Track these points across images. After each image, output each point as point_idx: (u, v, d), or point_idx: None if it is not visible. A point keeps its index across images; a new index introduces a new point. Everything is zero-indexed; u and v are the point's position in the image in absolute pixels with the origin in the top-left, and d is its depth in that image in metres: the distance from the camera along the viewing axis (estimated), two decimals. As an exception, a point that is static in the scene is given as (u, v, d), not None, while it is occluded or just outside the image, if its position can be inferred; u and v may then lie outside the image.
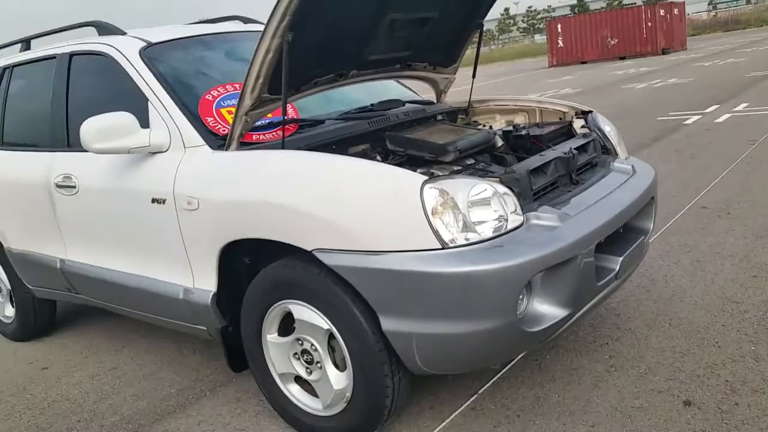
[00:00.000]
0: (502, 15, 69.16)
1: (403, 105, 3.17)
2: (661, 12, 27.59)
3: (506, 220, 2.07)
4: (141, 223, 2.71)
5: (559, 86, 17.58)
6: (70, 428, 2.86)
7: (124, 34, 3.10)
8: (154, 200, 2.60)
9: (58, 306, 4.05)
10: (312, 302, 2.25)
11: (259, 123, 2.58)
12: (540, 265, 1.97)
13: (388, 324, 2.05)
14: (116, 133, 2.55)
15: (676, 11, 28.91)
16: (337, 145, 2.62)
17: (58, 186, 3.08)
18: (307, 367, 2.39)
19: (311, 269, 2.22)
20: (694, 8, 43.94)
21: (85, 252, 3.10)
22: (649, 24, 27.18)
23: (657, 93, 12.72)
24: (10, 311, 3.99)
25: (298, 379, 2.48)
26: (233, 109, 2.66)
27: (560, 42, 29.48)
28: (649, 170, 2.87)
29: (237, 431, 2.63)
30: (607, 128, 3.01)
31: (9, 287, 3.87)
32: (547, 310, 2.08)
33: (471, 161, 2.65)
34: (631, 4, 52.60)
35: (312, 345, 2.33)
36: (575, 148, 2.59)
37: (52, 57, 3.32)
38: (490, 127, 3.23)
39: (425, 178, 2.00)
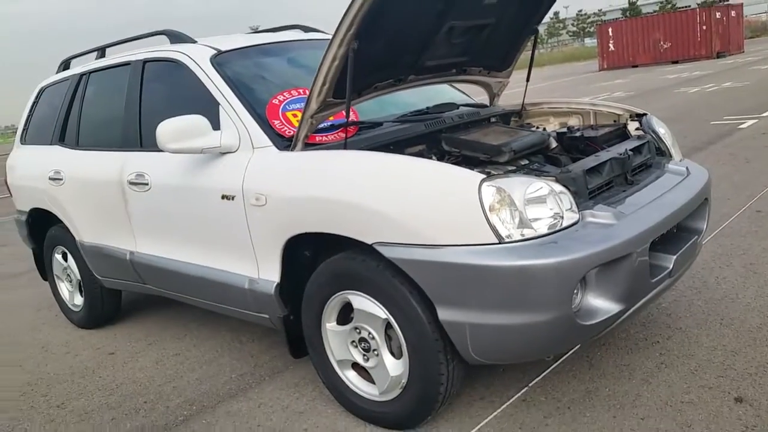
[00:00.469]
0: (552, 19, 68.43)
1: (458, 108, 3.27)
2: (717, 14, 26.93)
3: (561, 218, 2.14)
4: (210, 218, 2.87)
5: (612, 89, 17.37)
6: (138, 408, 3.05)
7: (194, 42, 3.29)
8: (224, 197, 2.77)
9: (123, 296, 4.28)
10: (371, 293, 2.37)
11: (321, 125, 2.72)
12: (595, 261, 2.04)
13: (444, 314, 2.15)
14: (190, 135, 2.72)
15: (733, 13, 28.17)
16: (395, 146, 2.73)
17: (131, 183, 3.28)
18: (364, 355, 2.51)
19: (371, 262, 2.34)
20: (751, 9, 42.58)
21: (155, 244, 3.29)
22: (704, 27, 26.55)
23: (710, 97, 12.47)
24: (79, 300, 4.24)
25: (355, 366, 2.60)
26: (298, 113, 2.82)
27: (611, 45, 29.05)
28: (703, 172, 2.89)
29: (296, 414, 2.76)
30: (662, 130, 3.05)
31: (79, 278, 4.12)
32: (601, 304, 2.14)
33: (525, 162, 2.73)
34: (685, 7, 51.39)
35: (369, 333, 2.45)
36: (630, 150, 2.65)
37: (127, 64, 3.54)
38: (544, 129, 3.29)
39: (483, 176, 2.09)
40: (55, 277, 4.39)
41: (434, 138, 2.88)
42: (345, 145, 2.57)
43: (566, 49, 58.55)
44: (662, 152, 2.99)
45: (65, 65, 4.33)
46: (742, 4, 29.99)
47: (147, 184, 3.18)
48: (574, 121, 3.40)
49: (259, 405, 2.89)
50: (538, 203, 2.12)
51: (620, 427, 2.35)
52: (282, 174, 2.58)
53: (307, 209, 2.46)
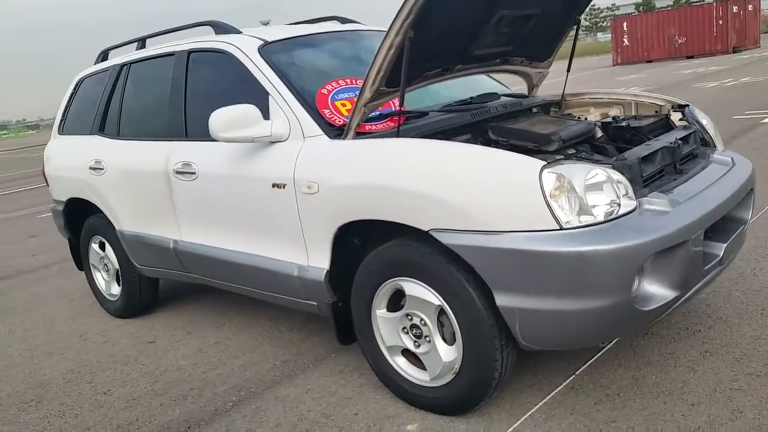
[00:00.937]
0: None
1: (499, 98, 3.29)
2: (734, 8, 26.71)
3: (618, 205, 2.17)
4: (260, 206, 2.91)
5: (628, 84, 17.29)
6: (185, 395, 3.10)
7: (239, 33, 3.33)
8: (274, 185, 2.80)
9: (159, 285, 4.34)
10: (424, 279, 2.40)
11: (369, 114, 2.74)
12: (655, 247, 2.06)
13: (502, 300, 2.18)
14: (242, 124, 2.76)
15: (750, 7, 27.93)
16: (442, 135, 2.76)
17: (177, 172, 3.32)
18: (415, 341, 2.55)
19: (425, 248, 2.37)
20: (767, 4, 42.21)
21: (200, 233, 3.33)
22: (720, 22, 26.36)
23: (730, 92, 12.40)
24: (116, 289, 4.29)
25: (405, 352, 2.64)
26: (347, 102, 2.86)
27: (626, 40, 28.90)
28: (746, 163, 2.91)
29: (344, 399, 2.80)
30: (704, 121, 3.06)
31: (117, 267, 4.17)
32: (657, 290, 2.17)
33: (572, 151, 2.75)
34: (700, 1, 50.95)
35: (421, 320, 2.48)
36: (679, 139, 2.66)
37: (171, 54, 3.58)
38: (586, 119, 3.31)
39: (544, 162, 2.12)
40: (91, 266, 4.44)
41: (480, 127, 2.90)
42: (398, 134, 2.60)
43: (579, 43, 58.12)
44: (706, 143, 3.00)
45: (104, 56, 4.37)
46: (760, -2, 29.73)
47: (194, 173, 3.22)
48: (615, 112, 3.41)
49: (306, 391, 2.93)
50: (597, 190, 2.14)
51: (671, 412, 2.38)
52: (335, 162, 2.61)
53: (361, 196, 2.49)
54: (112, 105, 3.99)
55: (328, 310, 2.81)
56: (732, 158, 2.85)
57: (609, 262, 2.01)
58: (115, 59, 4.19)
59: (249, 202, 2.96)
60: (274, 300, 3.12)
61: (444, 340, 2.46)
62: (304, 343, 3.46)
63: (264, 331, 3.72)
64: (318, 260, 2.76)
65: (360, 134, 2.69)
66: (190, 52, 3.45)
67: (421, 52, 2.54)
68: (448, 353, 2.43)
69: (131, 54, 4.00)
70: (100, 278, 4.42)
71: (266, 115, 2.84)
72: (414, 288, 2.45)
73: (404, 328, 2.57)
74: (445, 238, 2.24)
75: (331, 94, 2.89)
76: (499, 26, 2.80)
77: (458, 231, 2.20)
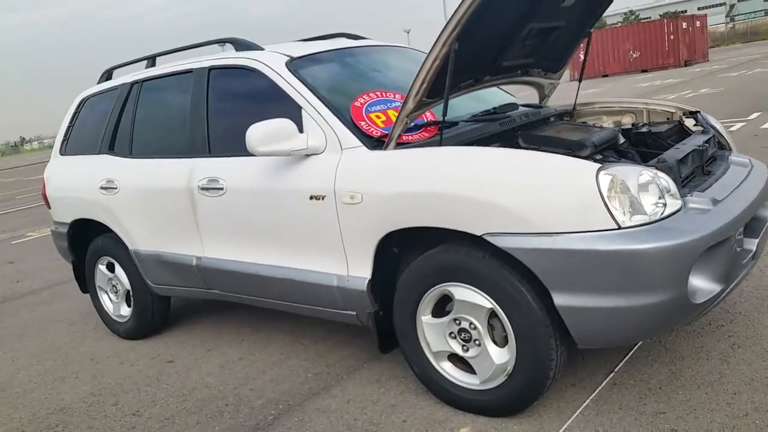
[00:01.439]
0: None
1: (518, 108, 3.39)
2: (684, 25, 27.85)
3: (665, 205, 2.26)
4: (296, 219, 2.93)
5: (587, 98, 17.72)
6: (221, 411, 3.07)
7: (262, 49, 3.35)
8: (312, 197, 2.83)
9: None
10: (475, 283, 2.45)
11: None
12: (707, 242, 2.17)
13: (561, 300, 2.24)
14: (278, 138, 2.79)
15: (698, 23, 29.18)
16: (476, 143, 2.83)
17: (203, 188, 3.31)
18: (463, 345, 2.59)
19: (476, 253, 2.43)
20: (711, 21, 44.11)
21: (227, 248, 3.32)
22: (672, 37, 27.42)
23: (692, 103, 12.85)
24: (125, 310, 4.21)
25: (451, 357, 2.68)
26: (380, 114, 2.92)
27: (581, 55, 29.67)
28: (761, 164, 3.06)
29: (389, 407, 2.82)
30: (717, 126, 3.22)
31: (128, 287, 4.10)
32: (705, 285, 2.27)
33: (599, 156, 2.86)
34: (646, 18, 52.83)
35: (471, 324, 2.53)
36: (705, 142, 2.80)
37: (188, 71, 3.57)
38: (601, 126, 3.43)
39: (599, 165, 2.20)
40: (97, 288, 4.36)
41: (508, 136, 2.99)
42: (440, 142, 2.66)
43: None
44: (722, 146, 3.15)
45: (108, 75, 4.33)
46: (705, 15, 31.03)
47: (221, 189, 3.22)
48: (627, 120, 3.55)
49: (347, 401, 2.94)
50: (647, 190, 2.24)
51: (715, 401, 2.48)
52: (379, 172, 2.65)
53: (409, 205, 2.53)
54: (122, 123, 3.95)
55: (369, 319, 2.83)
56: (749, 159, 3.00)
57: (668, 258, 2.10)
58: (122, 78, 4.15)
59: (284, 215, 2.98)
60: (308, 312, 3.13)
61: (494, 342, 2.51)
62: (332, 355, 3.46)
63: (286, 345, 3.71)
64: (359, 270, 2.79)
65: (399, 144, 2.74)
66: (210, 69, 3.45)
67: (460, 63, 2.62)
68: (500, 355, 2.48)
69: (142, 72, 3.97)
70: (107, 300, 4.33)
71: (299, 129, 2.87)
72: (464, 292, 2.50)
73: (451, 333, 2.61)
74: (500, 242, 2.30)
75: (364, 107, 2.94)
76: (526, 38, 2.91)
77: (514, 234, 2.27)
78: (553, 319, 2.32)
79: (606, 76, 28.46)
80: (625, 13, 63.81)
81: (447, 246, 2.54)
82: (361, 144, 2.77)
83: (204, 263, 3.47)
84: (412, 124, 2.86)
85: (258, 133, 2.76)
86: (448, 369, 2.69)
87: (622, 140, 3.06)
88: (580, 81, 3.56)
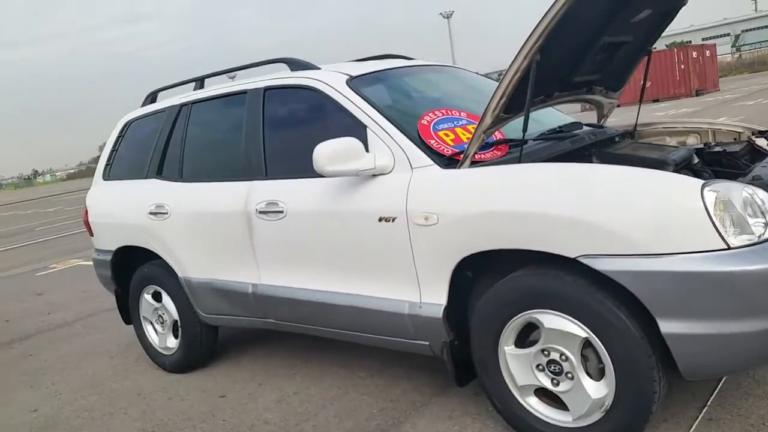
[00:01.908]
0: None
1: (582, 127, 3.30)
2: (694, 54, 27.93)
3: (766, 224, 2.13)
4: (363, 242, 2.81)
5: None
6: (284, 448, 2.92)
7: (318, 68, 3.29)
8: (381, 219, 2.72)
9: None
10: (566, 310, 2.30)
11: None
12: None
13: (668, 327, 2.10)
14: (346, 157, 2.69)
15: (707, 53, 29.28)
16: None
17: (261, 212, 3.20)
18: (553, 378, 2.43)
19: (566, 277, 2.29)
20: (717, 50, 44.44)
21: (287, 275, 3.19)
22: (683, 66, 27.49)
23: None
24: (172, 342, 4.07)
25: (537, 391, 2.52)
26: (449, 132, 2.82)
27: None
28: None
29: (469, 445, 2.66)
30: None
31: (176, 317, 3.97)
32: None
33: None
34: (653, 49, 52.97)
35: (562, 355, 2.37)
36: None
37: (242, 92, 3.50)
38: (674, 146, 3.33)
39: (703, 181, 2.08)
40: (142, 319, 4.23)
41: (579, 154, 2.89)
42: (520, 159, 2.56)
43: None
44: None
45: (152, 98, 4.27)
46: (715, 45, 31.15)
47: (282, 212, 3.11)
48: (692, 140, 3.45)
49: (422, 438, 2.78)
50: (748, 208, 2.11)
51: (827, 439, 2.31)
52: (456, 191, 2.53)
53: (492, 226, 2.40)
54: (171, 147, 3.87)
55: (443, 350, 2.69)
56: None
57: (785, 280, 1.96)
58: (168, 100, 4.09)
59: (350, 238, 2.86)
60: (375, 342, 2.99)
61: (588, 375, 2.36)
62: (393, 389, 3.31)
63: (341, 378, 3.56)
64: (433, 296, 2.66)
65: (472, 163, 2.63)
66: (266, 89, 3.38)
67: (539, 77, 2.53)
68: (596, 390, 2.32)
69: (191, 94, 3.90)
70: (152, 331, 4.21)
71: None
72: (553, 320, 2.36)
73: (539, 365, 2.46)
74: (598, 264, 2.16)
75: (431, 125, 2.85)
76: (597, 53, 2.83)
77: (614, 255, 2.13)
78: (655, 348, 2.17)
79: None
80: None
81: (532, 269, 2.41)
82: (433, 163, 2.66)
83: (260, 290, 3.34)
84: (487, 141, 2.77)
85: (326, 152, 2.67)
86: (534, 404, 2.53)
87: (695, 160, 2.96)
88: (640, 101, 3.47)
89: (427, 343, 2.75)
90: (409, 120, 2.88)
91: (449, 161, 2.68)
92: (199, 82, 3.94)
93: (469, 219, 2.46)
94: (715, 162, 2.97)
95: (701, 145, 3.17)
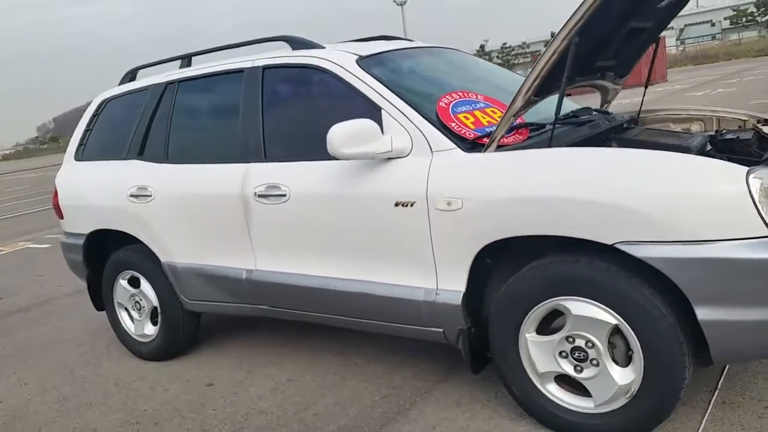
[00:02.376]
0: (477, 51, 70.65)
1: (593, 113, 3.25)
2: (643, 45, 28.56)
3: None
4: (377, 227, 2.69)
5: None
6: (285, 440, 2.79)
7: (322, 47, 3.12)
8: (398, 203, 2.60)
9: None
10: (597, 297, 2.25)
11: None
12: None
13: (705, 313, 2.07)
14: (361, 139, 2.56)
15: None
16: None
17: (260, 196, 3.03)
18: (576, 365, 2.38)
19: (599, 263, 2.23)
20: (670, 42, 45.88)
21: (288, 260, 3.04)
22: (633, 57, 28.06)
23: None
24: (150, 329, 3.86)
25: (557, 378, 2.47)
26: (468, 115, 2.72)
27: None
28: None
29: (484, 434, 2.60)
30: None
31: (155, 304, 3.76)
32: None
33: None
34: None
35: (588, 342, 2.32)
36: None
37: (238, 71, 3.29)
38: (687, 132, 3.32)
39: (747, 167, 2.05)
40: (116, 305, 3.99)
41: (598, 140, 2.83)
42: (550, 143, 2.47)
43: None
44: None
45: (132, 76, 4.01)
46: (664, 37, 31.96)
47: (284, 196, 2.95)
48: (696, 127, 3.44)
49: (433, 427, 2.69)
50: None
51: (844, 423, 2.34)
52: (482, 176, 2.44)
53: (521, 212, 2.32)
54: (154, 126, 3.62)
55: (458, 336, 2.61)
56: None
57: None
58: (151, 78, 3.84)
59: (361, 223, 2.73)
60: (385, 329, 2.88)
61: (615, 362, 2.31)
62: (394, 376, 3.21)
63: (337, 365, 3.43)
64: (450, 283, 2.57)
65: (498, 147, 2.54)
66: (264, 68, 3.18)
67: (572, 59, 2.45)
68: (623, 376, 2.28)
69: (178, 72, 3.65)
70: (128, 318, 3.98)
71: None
72: (582, 307, 2.29)
73: (562, 352, 2.41)
74: (638, 251, 2.11)
75: (450, 107, 2.74)
76: (620, 39, 2.77)
77: (655, 243, 2.08)
78: (687, 335, 2.14)
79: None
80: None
81: (560, 256, 2.34)
82: (455, 146, 2.56)
83: (256, 276, 3.18)
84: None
85: (341, 134, 2.53)
86: (554, 391, 2.48)
87: (709, 147, 2.94)
88: (645, 87, 3.45)
89: (441, 330, 2.66)
90: (427, 102, 2.76)
91: (472, 145, 2.58)
92: (186, 60, 3.69)
93: (499, 204, 2.36)
94: (727, 149, 2.96)
95: (713, 132, 3.16)
